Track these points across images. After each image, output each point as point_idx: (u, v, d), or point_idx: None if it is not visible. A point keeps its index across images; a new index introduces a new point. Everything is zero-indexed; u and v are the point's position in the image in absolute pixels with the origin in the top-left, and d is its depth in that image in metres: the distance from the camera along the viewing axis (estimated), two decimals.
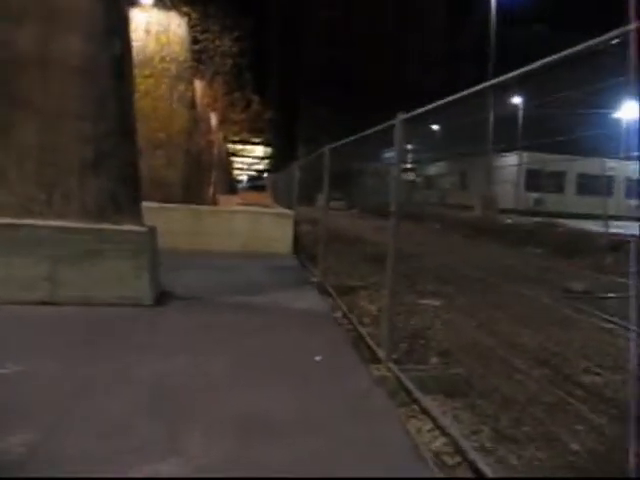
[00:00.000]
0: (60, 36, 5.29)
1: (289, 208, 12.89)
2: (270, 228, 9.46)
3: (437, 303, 6.95)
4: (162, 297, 5.70)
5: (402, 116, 3.90)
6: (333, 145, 6.95)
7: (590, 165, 25.51)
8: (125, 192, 5.57)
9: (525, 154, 26.86)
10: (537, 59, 2.51)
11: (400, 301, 7.03)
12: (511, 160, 27.91)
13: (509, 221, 18.94)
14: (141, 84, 12.09)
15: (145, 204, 9.93)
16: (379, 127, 4.61)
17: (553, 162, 25.62)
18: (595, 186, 26.27)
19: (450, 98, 3.35)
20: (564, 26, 41.07)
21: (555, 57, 2.38)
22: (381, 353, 4.14)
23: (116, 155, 5.52)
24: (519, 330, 5.87)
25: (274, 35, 59.39)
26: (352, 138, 6.26)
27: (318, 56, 59.83)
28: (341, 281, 7.77)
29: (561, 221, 17.97)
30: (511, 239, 15.62)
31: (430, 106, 3.63)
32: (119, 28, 5.66)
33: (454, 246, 14.79)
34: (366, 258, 11.23)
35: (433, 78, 59.06)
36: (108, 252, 5.25)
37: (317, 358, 4.12)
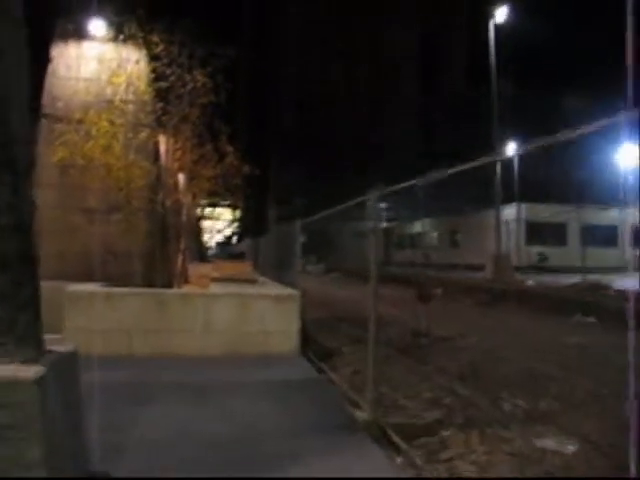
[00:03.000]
0: None
1: (280, 281, 10.04)
2: (267, 318, 6.55)
3: (572, 448, 4.10)
4: None
5: None
6: (384, 191, 4.22)
7: (593, 215, 23.53)
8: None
9: (524, 205, 24.80)
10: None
11: (500, 439, 4.24)
12: (508, 213, 25.77)
13: (530, 283, 16.37)
14: (92, 130, 9.48)
15: (88, 288, 6.98)
16: None
17: (556, 213, 23.57)
18: (600, 237, 24.20)
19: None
20: (530, 84, 40.51)
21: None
22: None
23: None
24: None
25: (243, 92, 57.58)
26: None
27: (289, 117, 58.44)
28: (397, 406, 4.90)
29: (592, 278, 15.48)
30: (545, 306, 12.96)
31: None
32: None
33: (482, 320, 12.00)
34: (392, 344, 8.42)
35: (405, 139, 58.10)
36: None
37: None
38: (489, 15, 21.36)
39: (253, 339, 6.54)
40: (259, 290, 7.63)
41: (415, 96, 62.34)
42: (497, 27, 21.67)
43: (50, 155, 9.53)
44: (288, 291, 7.29)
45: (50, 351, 2.90)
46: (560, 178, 27.21)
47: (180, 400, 4.67)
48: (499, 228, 19.84)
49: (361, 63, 58.81)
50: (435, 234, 34.94)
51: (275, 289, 8.04)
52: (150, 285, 9.61)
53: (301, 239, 8.10)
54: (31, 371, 2.52)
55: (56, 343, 5.47)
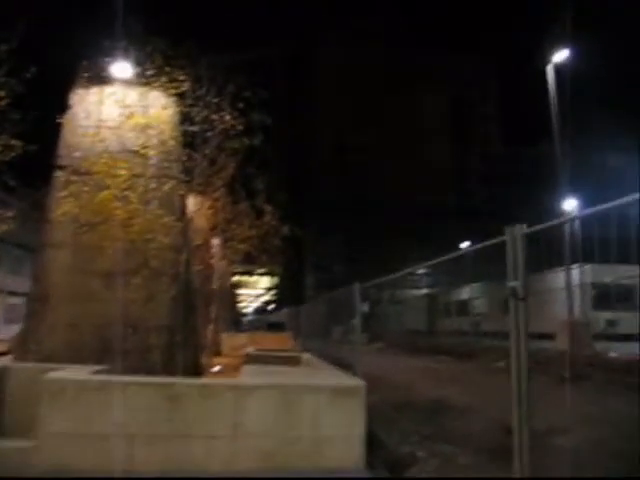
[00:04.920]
0: None
1: (328, 359, 8.21)
2: (321, 418, 4.67)
3: None
4: None
5: None
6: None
7: None
8: None
9: (588, 267, 22.52)
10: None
11: None
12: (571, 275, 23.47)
13: (614, 354, 14.04)
14: (106, 180, 8.13)
15: (76, 376, 5.09)
16: None
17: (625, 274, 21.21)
18: None
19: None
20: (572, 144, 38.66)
21: None
22: None
23: None
24: None
25: (276, 151, 56.80)
26: None
27: (325, 181, 57.79)
28: None
29: None
30: None
31: None
32: None
33: (574, 404, 9.72)
34: (478, 445, 6.37)
35: (444, 199, 56.80)
36: None
37: None
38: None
39: (301, 448, 4.65)
40: (308, 378, 5.78)
41: (449, 158, 61.46)
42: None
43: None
44: (349, 381, 5.39)
45: None
46: (627, 237, 25.08)
47: None
48: (571, 292, 17.62)
49: (394, 127, 58.27)
50: (485, 300, 32.55)
51: (329, 376, 6.16)
52: (171, 363, 8.04)
53: (363, 308, 6.29)
54: None
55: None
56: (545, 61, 18.63)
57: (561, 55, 18.44)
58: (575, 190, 23.96)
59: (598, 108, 38.62)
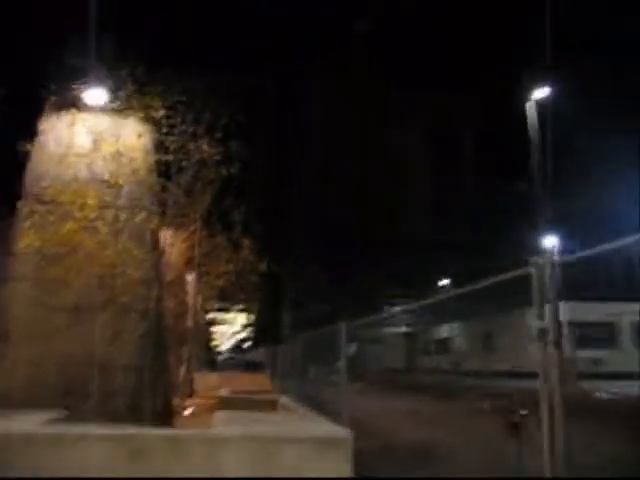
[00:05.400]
0: None
1: (307, 402, 7.69)
2: (300, 472, 4.16)
3: None
4: None
5: None
6: None
7: None
8: None
9: (569, 304, 22.37)
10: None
11: None
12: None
13: (601, 395, 13.66)
14: (73, 210, 7.65)
15: (21, 428, 4.41)
16: None
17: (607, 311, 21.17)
18: None
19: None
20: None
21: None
22: None
23: None
24: None
25: (254, 183, 56.35)
26: None
27: (306, 216, 57.54)
28: None
29: None
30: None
31: None
32: None
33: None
34: None
35: (426, 232, 56.93)
36: None
37: None
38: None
39: None
40: (288, 427, 5.24)
41: (431, 191, 61.76)
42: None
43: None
44: (333, 431, 4.82)
45: None
46: (607, 272, 25.16)
47: None
48: (557, 329, 17.32)
49: (376, 158, 58.49)
50: (464, 338, 32.25)
51: (311, 424, 5.63)
52: (139, 407, 7.49)
53: (350, 350, 5.81)
54: None
55: None
56: (526, 98, 18.80)
57: (543, 92, 18.58)
58: (556, 227, 24.10)
59: (578, 145, 39.23)
